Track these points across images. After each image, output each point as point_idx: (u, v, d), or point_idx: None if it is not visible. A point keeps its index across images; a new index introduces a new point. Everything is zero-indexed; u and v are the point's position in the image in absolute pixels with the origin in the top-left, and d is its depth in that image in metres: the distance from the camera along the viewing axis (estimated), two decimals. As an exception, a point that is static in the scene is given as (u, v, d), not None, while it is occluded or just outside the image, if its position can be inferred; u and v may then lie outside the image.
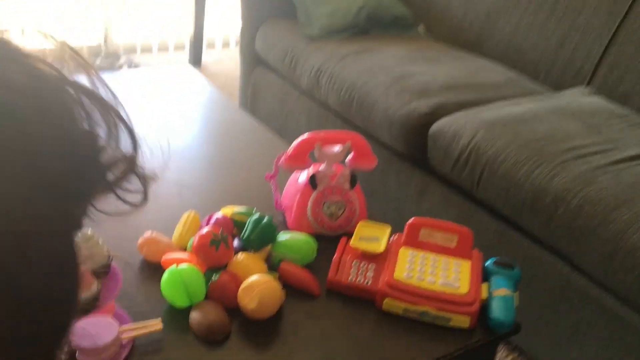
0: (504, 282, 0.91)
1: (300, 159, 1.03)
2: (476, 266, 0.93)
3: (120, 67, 2.89)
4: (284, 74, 2.10)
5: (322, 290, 0.92)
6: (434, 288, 0.88)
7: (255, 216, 0.95)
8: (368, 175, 1.80)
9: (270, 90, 2.22)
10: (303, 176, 1.06)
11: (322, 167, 1.05)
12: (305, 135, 1.04)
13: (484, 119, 1.51)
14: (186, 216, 0.99)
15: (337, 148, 1.04)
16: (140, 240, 0.93)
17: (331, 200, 1.03)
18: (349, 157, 1.06)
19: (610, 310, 1.21)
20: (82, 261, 0.69)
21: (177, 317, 0.83)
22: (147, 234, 0.94)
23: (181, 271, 0.83)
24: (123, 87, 1.59)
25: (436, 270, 0.90)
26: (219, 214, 0.98)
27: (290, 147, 1.04)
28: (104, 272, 0.74)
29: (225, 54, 3.30)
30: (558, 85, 1.83)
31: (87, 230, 0.73)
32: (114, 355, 0.74)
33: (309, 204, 1.02)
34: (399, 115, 1.61)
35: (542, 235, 1.31)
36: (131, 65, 2.93)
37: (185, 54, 3.16)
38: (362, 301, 0.91)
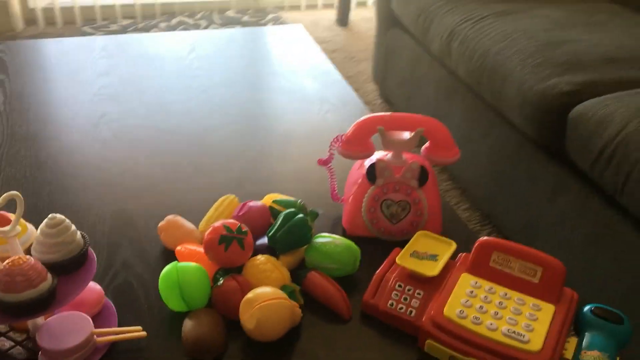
0: (602, 341, 0.65)
1: (359, 145, 0.84)
2: (563, 314, 0.68)
3: (266, 24, 2.84)
4: (417, 36, 1.86)
5: (356, 312, 0.74)
6: (494, 337, 0.65)
7: (287, 211, 0.79)
8: (492, 165, 1.53)
9: (403, 54, 2.00)
10: (360, 165, 0.86)
11: (386, 156, 0.84)
12: (367, 116, 0.84)
13: (645, 104, 1.16)
14: (221, 201, 0.86)
15: (406, 135, 0.83)
16: (160, 223, 0.82)
17: (392, 198, 0.82)
18: (424, 147, 0.85)
19: None
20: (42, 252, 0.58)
21: (175, 321, 0.71)
22: (169, 217, 0.82)
23: (179, 270, 0.71)
24: (226, 45, 1.50)
25: (502, 312, 0.67)
26: (256, 203, 0.84)
27: (349, 129, 0.85)
28: (76, 262, 0.64)
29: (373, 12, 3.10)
30: None
31: (55, 215, 0.63)
32: (83, 359, 0.64)
33: (365, 200, 0.83)
34: (534, 92, 1.31)
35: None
36: (277, 22, 2.87)
37: (333, 12, 3.02)
38: (403, 334, 0.71)
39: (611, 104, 1.19)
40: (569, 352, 0.65)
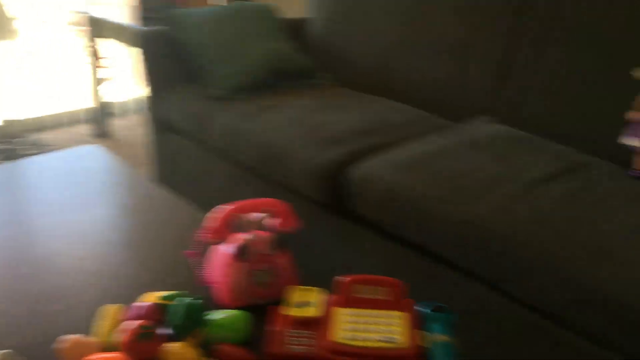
0: (441, 327, 0.92)
1: (224, 232, 1.01)
2: (411, 316, 0.93)
3: (23, 149, 2.76)
4: (195, 137, 2.07)
5: (262, 365, 0.89)
6: (375, 345, 0.87)
7: (180, 299, 0.91)
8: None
9: (183, 155, 2.19)
10: (226, 248, 1.03)
11: (246, 236, 1.03)
12: (225, 208, 1.02)
13: (397, 160, 1.55)
14: (107, 311, 0.94)
15: (259, 215, 1.03)
16: (63, 347, 0.87)
17: (261, 269, 1.01)
18: (272, 222, 1.05)
19: (558, 336, 1.25)
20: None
21: None
22: (69, 338, 0.88)
23: (110, 374, 0.78)
24: (26, 178, 1.52)
25: (374, 326, 0.90)
26: (141, 303, 0.94)
27: (211, 221, 1.01)
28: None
29: (130, 121, 3.24)
30: (461, 117, 1.91)
31: (9, 351, 0.67)
32: None
33: (240, 275, 1.00)
34: (314, 166, 1.62)
35: (474, 269, 1.34)
36: (35, 145, 2.81)
37: (89, 127, 3.07)
38: (305, 370, 0.89)
39: (374, 163, 1.56)
40: (423, 341, 0.90)
